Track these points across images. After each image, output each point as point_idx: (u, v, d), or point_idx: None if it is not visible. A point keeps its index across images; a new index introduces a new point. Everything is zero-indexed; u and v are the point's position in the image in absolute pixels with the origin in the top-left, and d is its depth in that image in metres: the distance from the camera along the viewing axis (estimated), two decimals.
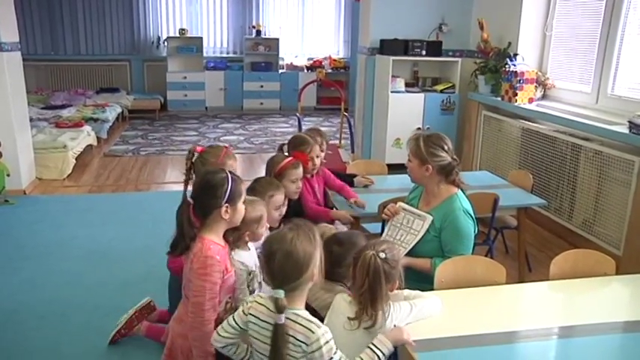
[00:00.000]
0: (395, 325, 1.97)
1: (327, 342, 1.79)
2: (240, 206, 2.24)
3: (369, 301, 1.93)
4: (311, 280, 1.86)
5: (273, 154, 3.34)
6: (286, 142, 3.47)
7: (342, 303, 2.04)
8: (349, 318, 1.93)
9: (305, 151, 3.30)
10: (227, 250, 2.27)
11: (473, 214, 2.74)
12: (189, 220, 2.19)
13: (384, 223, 3.21)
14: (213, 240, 2.19)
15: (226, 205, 2.18)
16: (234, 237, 2.33)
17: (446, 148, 2.74)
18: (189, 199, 2.22)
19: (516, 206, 3.82)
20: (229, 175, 2.23)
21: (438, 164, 2.73)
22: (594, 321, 2.15)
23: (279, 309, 1.78)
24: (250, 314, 1.90)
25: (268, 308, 1.85)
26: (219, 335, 1.97)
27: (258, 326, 1.88)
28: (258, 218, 2.43)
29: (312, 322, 1.81)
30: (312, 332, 1.78)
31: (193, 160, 2.68)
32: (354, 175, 3.89)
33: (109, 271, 4.06)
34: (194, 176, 2.62)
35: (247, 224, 2.36)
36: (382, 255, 1.96)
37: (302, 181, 3.16)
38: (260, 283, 2.37)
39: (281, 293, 1.78)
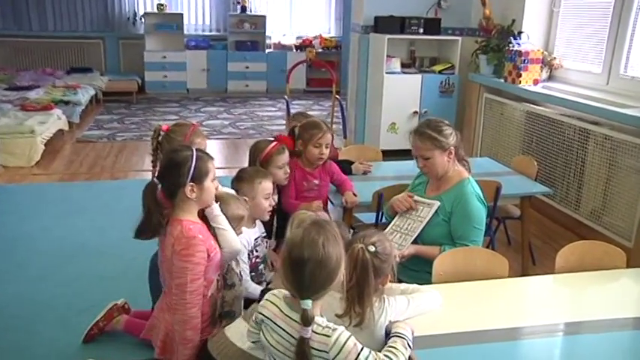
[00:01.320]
0: (390, 321, 1.97)
1: (347, 341, 1.75)
2: (208, 185, 2.28)
3: (357, 296, 1.92)
4: (337, 286, 1.82)
5: (260, 139, 3.32)
6: (297, 124, 3.43)
7: (332, 301, 2.03)
8: (336, 315, 1.93)
9: (316, 136, 3.26)
10: (207, 228, 2.32)
11: (485, 201, 2.79)
12: (156, 202, 2.24)
13: (378, 212, 3.23)
14: (190, 220, 2.25)
15: (191, 184, 2.23)
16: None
17: (447, 122, 2.82)
18: (154, 179, 2.27)
19: (520, 195, 3.83)
20: (194, 152, 2.27)
21: (456, 142, 2.78)
22: (603, 317, 2.16)
23: (307, 322, 1.73)
24: (262, 315, 1.88)
25: (281, 310, 1.83)
26: (249, 332, 1.99)
27: (274, 332, 1.84)
28: (239, 218, 2.50)
29: (327, 327, 1.77)
30: (328, 337, 1.75)
31: (159, 140, 2.73)
32: (351, 162, 3.89)
33: (83, 265, 4.06)
34: (161, 156, 2.65)
35: (230, 220, 2.42)
36: (372, 248, 1.95)
37: (289, 166, 3.17)
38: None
39: (309, 304, 1.74)
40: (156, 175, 2.34)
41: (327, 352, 1.74)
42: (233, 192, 2.71)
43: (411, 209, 2.85)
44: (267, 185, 2.81)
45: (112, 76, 10.40)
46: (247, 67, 10.98)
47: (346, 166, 3.77)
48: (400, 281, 2.27)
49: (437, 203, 2.77)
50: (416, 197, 2.89)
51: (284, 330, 1.81)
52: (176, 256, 2.20)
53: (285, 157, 3.12)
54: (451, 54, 6.53)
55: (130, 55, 10.88)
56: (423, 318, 2.07)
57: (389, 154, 4.71)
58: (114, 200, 5.30)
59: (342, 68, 10.14)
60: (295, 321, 1.78)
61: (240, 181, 2.81)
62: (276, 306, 1.85)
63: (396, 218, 2.90)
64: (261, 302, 1.91)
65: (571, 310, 2.26)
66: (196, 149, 2.31)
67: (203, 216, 2.36)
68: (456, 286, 2.37)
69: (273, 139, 3.24)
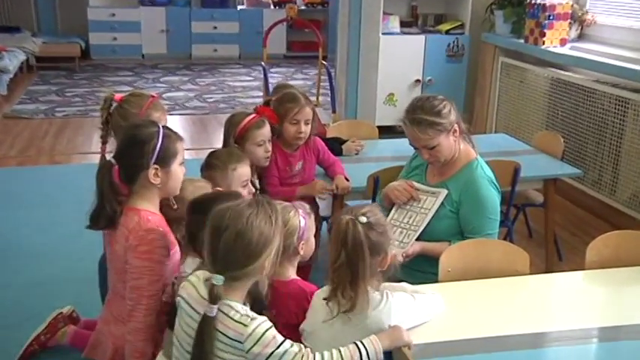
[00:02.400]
0: (389, 326, 1.99)
1: (266, 332, 1.82)
2: (176, 169, 2.29)
3: (348, 279, 1.95)
4: (259, 273, 1.89)
5: (236, 112, 3.31)
6: (273, 97, 3.44)
7: (320, 297, 2.08)
8: (324, 299, 1.99)
9: (292, 111, 3.25)
10: (166, 221, 2.33)
11: (498, 185, 2.81)
12: (112, 186, 2.24)
13: (374, 199, 3.24)
14: (149, 210, 2.26)
15: (155, 166, 2.23)
16: (182, 232, 2.36)
17: (439, 97, 2.81)
18: (110, 159, 2.27)
19: (543, 177, 3.85)
20: (161, 129, 2.28)
21: (457, 116, 2.77)
22: None
23: (213, 298, 1.83)
24: (180, 296, 1.96)
25: (199, 293, 1.91)
26: None
27: (187, 315, 1.93)
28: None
29: (246, 315, 1.84)
30: (245, 326, 1.82)
31: (111, 111, 2.71)
32: (343, 141, 3.90)
33: (18, 269, 4.02)
34: (112, 132, 2.67)
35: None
36: (363, 219, 1.97)
37: (271, 144, 3.16)
38: None
39: (219, 280, 1.82)
40: (106, 153, 2.35)
41: (241, 343, 1.82)
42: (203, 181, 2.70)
43: (412, 200, 2.85)
44: (243, 171, 2.80)
45: (48, 38, 10.29)
46: (215, 28, 10.92)
47: (336, 146, 3.77)
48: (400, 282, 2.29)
49: (443, 191, 2.78)
50: (417, 185, 2.89)
51: (198, 313, 1.88)
52: (132, 253, 2.20)
53: (265, 131, 3.11)
54: (461, 10, 6.52)
55: (69, 11, 10.74)
56: (427, 323, 2.08)
57: (386, 131, 4.73)
58: (55, 190, 5.26)
59: (330, 29, 10.09)
60: None
61: (210, 168, 2.80)
62: (195, 287, 1.93)
63: (393, 211, 2.90)
64: (182, 283, 1.98)
65: (606, 312, 2.28)
66: (164, 126, 2.32)
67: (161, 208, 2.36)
68: (466, 285, 2.38)
69: (252, 111, 3.23)
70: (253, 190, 2.88)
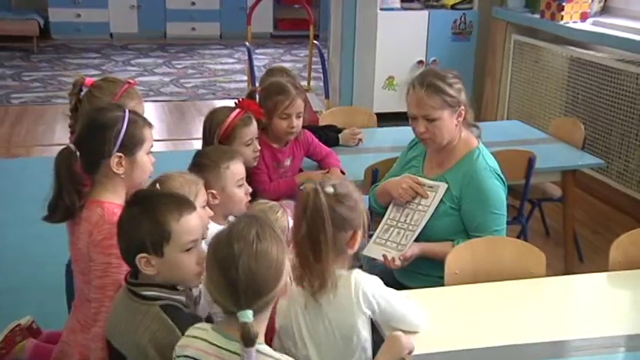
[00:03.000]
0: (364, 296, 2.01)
1: None
2: (142, 158, 2.32)
3: (310, 252, 2.00)
4: (284, 292, 1.85)
5: (214, 102, 3.29)
6: (257, 88, 3.44)
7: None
8: (295, 281, 2.01)
9: (282, 104, 3.25)
10: None
11: (503, 176, 2.80)
12: (72, 174, 2.27)
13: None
14: (115, 202, 2.27)
15: (119, 154, 2.25)
16: None
17: (456, 73, 2.84)
18: (69, 144, 2.29)
19: (561, 169, 3.85)
20: (127, 113, 2.30)
21: (467, 101, 2.78)
22: None
23: (250, 339, 1.69)
24: (186, 357, 1.84)
25: (213, 343, 1.80)
26: None
27: None
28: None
29: (272, 357, 1.77)
30: None
31: (81, 97, 2.74)
32: (338, 130, 3.90)
33: None
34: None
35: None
36: (330, 189, 2.02)
37: (259, 142, 3.16)
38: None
39: (249, 315, 1.71)
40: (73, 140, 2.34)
41: None
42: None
43: (419, 197, 2.82)
44: (237, 169, 2.79)
45: (0, 15, 10.14)
46: (193, 4, 10.89)
47: (331, 136, 3.77)
48: (403, 287, 2.31)
49: (443, 185, 2.78)
50: (411, 177, 2.88)
51: None
52: (96, 248, 2.20)
53: (252, 129, 3.10)
54: None
55: None
56: (430, 330, 2.08)
57: (386, 118, 4.74)
58: (12, 186, 5.23)
59: (322, 4, 10.08)
60: (235, 353, 1.74)
61: (200, 169, 2.73)
62: (205, 340, 1.83)
63: (389, 210, 2.89)
64: (180, 342, 1.88)
65: (633, 318, 2.27)
66: (130, 111, 2.34)
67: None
68: (476, 288, 2.39)
69: (234, 105, 3.20)
70: (250, 189, 2.86)
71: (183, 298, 2.05)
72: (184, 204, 2.05)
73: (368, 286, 2.05)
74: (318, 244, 1.99)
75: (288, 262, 1.84)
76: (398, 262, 2.63)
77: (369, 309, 2.04)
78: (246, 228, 1.78)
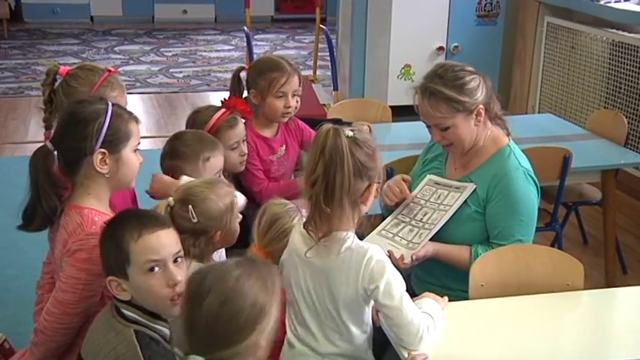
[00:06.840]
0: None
1: None
2: (129, 155, 2.28)
3: (323, 194, 2.01)
4: (251, 356, 1.76)
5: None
6: (245, 66, 3.44)
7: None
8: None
9: (277, 81, 3.20)
10: None
11: (536, 179, 2.74)
12: (50, 177, 2.24)
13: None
14: (96, 209, 2.23)
15: (102, 150, 2.22)
16: (201, 245, 2.34)
17: (469, 68, 2.75)
18: (47, 142, 2.26)
19: (600, 168, 3.83)
20: (110, 106, 2.26)
21: (487, 97, 2.68)
22: None
23: None
24: None
25: None
26: None
27: None
28: (229, 206, 2.41)
29: None
30: None
31: (55, 87, 2.70)
32: (342, 123, 3.80)
33: None
34: (57, 114, 2.63)
35: (214, 219, 2.36)
36: (349, 132, 2.04)
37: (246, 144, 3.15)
38: None
39: None
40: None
41: None
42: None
43: (441, 195, 2.79)
44: (216, 162, 2.81)
45: None
46: None
47: None
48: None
49: (470, 186, 2.74)
50: (437, 179, 2.85)
51: None
52: (68, 260, 2.16)
53: (238, 131, 3.08)
54: None
55: None
56: (455, 349, 2.09)
57: (401, 112, 4.61)
58: None
59: None
60: None
61: (176, 156, 2.77)
62: None
63: (402, 205, 2.87)
64: None
65: None
66: (114, 104, 2.33)
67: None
68: (504, 302, 2.37)
69: (220, 104, 3.16)
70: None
71: (167, 331, 2.02)
72: (148, 223, 2.01)
73: (379, 269, 2.06)
74: (333, 186, 2.01)
75: (271, 321, 1.78)
76: (407, 261, 2.58)
77: (369, 292, 2.06)
78: (231, 268, 1.79)
